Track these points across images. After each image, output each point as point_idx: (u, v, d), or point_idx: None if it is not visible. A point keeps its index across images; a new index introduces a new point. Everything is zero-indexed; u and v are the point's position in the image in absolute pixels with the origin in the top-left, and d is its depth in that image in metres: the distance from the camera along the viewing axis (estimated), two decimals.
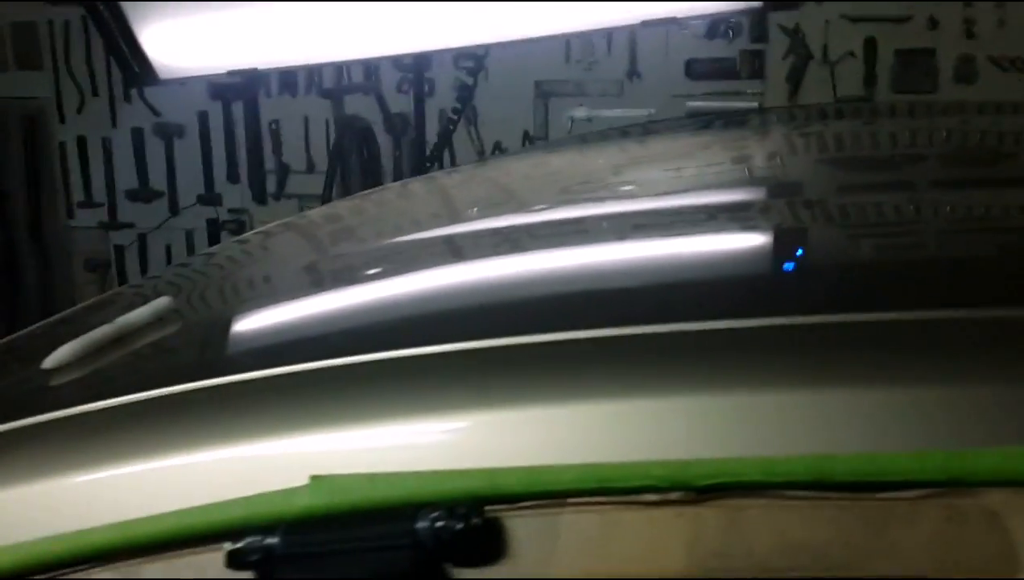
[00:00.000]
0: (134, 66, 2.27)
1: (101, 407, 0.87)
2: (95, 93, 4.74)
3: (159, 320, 1.16)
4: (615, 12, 2.27)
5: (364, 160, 4.20)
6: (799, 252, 1.18)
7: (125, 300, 1.65)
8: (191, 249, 4.82)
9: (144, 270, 4.86)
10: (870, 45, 3.98)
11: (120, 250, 4.89)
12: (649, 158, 1.83)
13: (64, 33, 4.69)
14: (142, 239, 4.86)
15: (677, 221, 1.27)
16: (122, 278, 4.89)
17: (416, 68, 4.20)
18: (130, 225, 4.87)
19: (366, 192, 2.22)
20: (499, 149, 4.38)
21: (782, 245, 1.13)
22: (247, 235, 1.90)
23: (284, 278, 1.41)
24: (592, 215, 1.32)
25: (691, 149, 1.92)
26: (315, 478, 0.75)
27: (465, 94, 4.31)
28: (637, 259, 1.11)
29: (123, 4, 2.24)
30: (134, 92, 4.63)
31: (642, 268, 1.07)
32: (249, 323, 1.18)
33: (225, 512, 0.76)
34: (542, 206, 1.49)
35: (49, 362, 1.08)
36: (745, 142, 1.98)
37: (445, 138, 4.33)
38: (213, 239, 4.79)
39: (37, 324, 1.58)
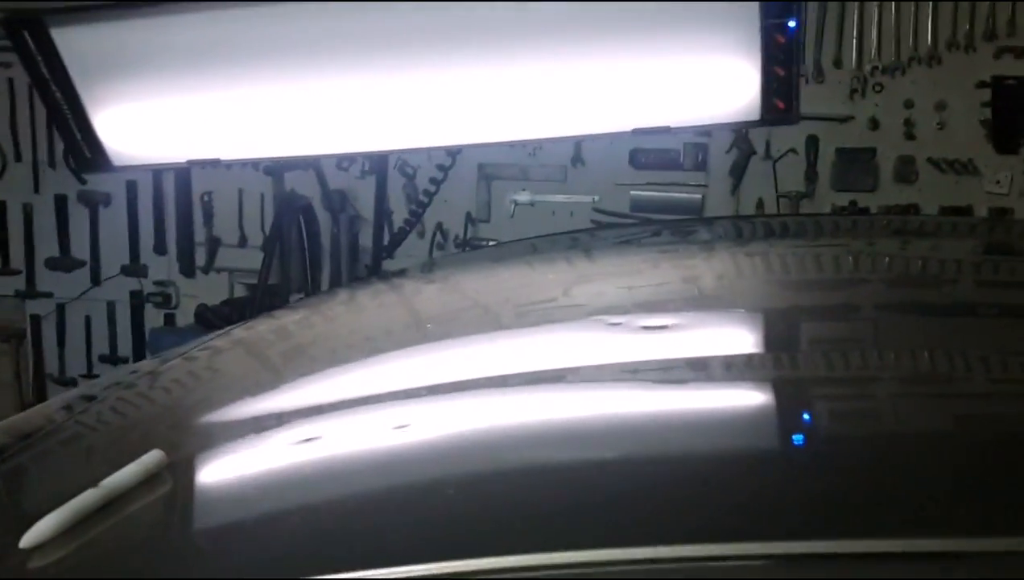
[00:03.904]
0: (86, 152, 2.15)
1: None
2: (18, 159, 4.56)
3: (152, 478, 1.05)
4: (608, 120, 2.23)
5: (303, 238, 4.09)
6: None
7: (70, 431, 1.46)
8: (112, 321, 4.64)
9: (61, 342, 4.66)
10: (812, 142, 4.02)
11: (37, 320, 4.69)
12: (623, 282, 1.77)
13: None
14: (61, 309, 4.66)
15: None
16: (37, 349, 4.68)
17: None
18: (48, 294, 4.67)
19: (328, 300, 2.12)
20: (440, 230, 4.32)
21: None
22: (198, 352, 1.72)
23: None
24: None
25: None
26: None
27: (432, 190, 4.26)
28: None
29: (78, 85, 2.12)
30: (59, 159, 4.46)
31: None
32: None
33: None
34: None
35: (27, 540, 0.94)
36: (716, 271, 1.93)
37: (403, 234, 4.28)
38: (136, 311, 4.62)
39: None
